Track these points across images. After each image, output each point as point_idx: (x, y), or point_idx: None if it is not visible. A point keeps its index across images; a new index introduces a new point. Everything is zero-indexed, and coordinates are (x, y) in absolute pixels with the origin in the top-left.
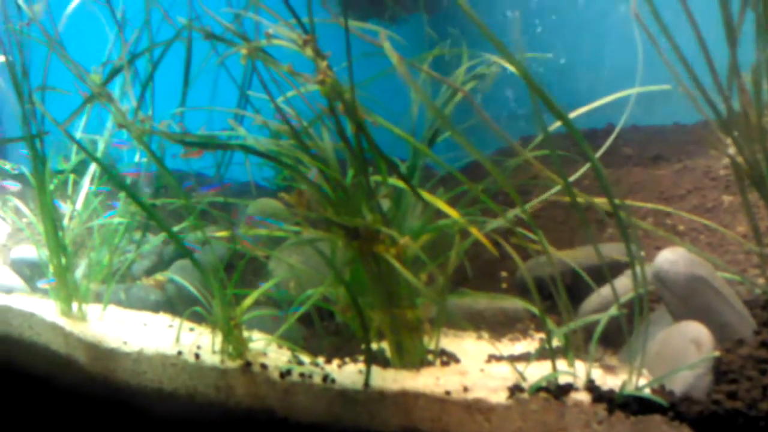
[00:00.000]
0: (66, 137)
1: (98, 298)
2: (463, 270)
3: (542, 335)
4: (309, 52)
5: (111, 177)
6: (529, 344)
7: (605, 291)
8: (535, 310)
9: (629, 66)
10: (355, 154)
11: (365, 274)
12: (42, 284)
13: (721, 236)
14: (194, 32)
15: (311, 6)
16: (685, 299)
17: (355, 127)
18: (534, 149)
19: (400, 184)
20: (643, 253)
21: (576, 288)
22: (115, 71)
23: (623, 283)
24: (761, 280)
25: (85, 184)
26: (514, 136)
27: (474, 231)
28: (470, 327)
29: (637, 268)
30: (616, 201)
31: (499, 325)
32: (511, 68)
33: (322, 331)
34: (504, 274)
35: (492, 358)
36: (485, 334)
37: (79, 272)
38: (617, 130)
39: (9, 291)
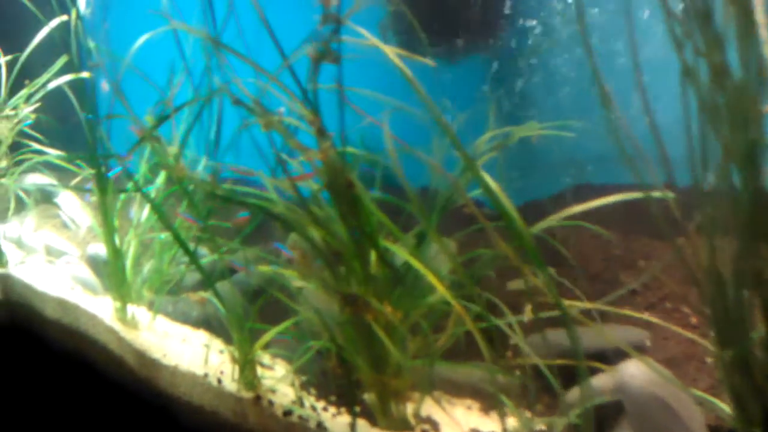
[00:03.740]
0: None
1: (152, 305)
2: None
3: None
4: (314, 130)
5: (157, 212)
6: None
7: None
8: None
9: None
10: (348, 227)
11: (357, 337)
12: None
13: None
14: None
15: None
16: (641, 417)
17: (345, 206)
18: None
19: (397, 249)
20: (648, 343)
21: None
22: (162, 118)
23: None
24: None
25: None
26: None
27: (467, 319)
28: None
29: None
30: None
31: (492, 398)
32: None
33: (331, 372)
34: (513, 342)
35: None
36: (474, 405)
37: (139, 280)
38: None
39: (84, 284)
